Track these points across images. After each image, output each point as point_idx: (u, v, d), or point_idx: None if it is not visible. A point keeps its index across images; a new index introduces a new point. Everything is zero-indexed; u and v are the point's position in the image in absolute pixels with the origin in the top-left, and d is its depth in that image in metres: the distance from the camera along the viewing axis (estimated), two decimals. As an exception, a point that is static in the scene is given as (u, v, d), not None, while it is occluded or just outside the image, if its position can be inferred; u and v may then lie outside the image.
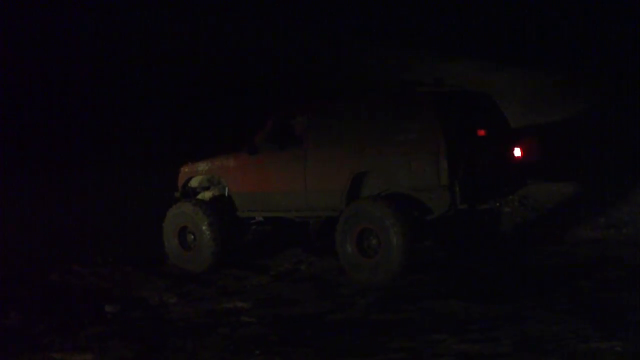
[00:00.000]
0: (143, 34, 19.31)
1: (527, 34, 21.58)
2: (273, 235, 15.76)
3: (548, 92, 21.25)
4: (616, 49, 20.19)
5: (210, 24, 20.60)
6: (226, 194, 14.59)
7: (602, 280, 11.38)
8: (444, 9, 22.04)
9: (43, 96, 17.67)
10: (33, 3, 17.46)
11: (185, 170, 14.98)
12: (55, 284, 12.96)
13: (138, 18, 19.27)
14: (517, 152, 13.21)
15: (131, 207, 16.35)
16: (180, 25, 20.13)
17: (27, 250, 13.99)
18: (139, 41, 19.25)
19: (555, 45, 21.29)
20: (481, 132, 12.56)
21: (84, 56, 18.57)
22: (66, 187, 16.46)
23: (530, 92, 21.43)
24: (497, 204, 14.09)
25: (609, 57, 20.32)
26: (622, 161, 17.27)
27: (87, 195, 16.52)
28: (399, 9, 22.08)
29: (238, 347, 9.21)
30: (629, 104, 18.82)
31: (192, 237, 14.26)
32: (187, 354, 9.12)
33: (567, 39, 21.12)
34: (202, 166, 14.70)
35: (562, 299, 10.37)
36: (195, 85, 20.25)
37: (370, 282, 12.10)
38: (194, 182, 15.09)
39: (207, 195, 15.00)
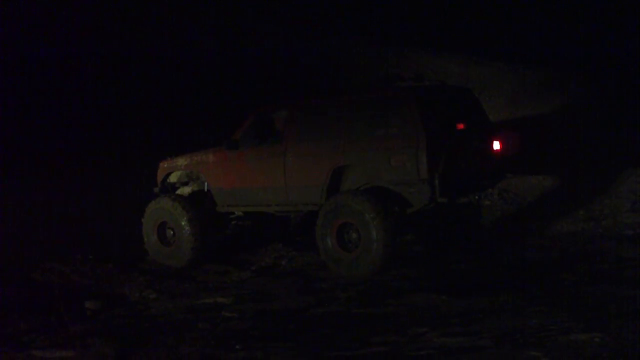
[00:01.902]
0: (137, 33, 19.32)
1: (511, 29, 21.68)
2: (253, 230, 15.73)
3: (531, 86, 21.33)
4: (599, 45, 20.31)
5: (196, 24, 20.64)
6: (205, 189, 14.55)
7: (582, 273, 11.44)
8: (427, 4, 22.12)
9: (20, 98, 17.63)
10: (33, 3, 17.46)
11: (164, 165, 14.92)
12: (36, 282, 12.91)
13: (133, 17, 19.27)
14: (496, 145, 13.23)
15: (111, 204, 16.30)
16: (170, 24, 20.15)
17: (8, 248, 13.91)
18: (130, 40, 19.26)
19: (538, 41, 21.40)
20: (460, 126, 12.58)
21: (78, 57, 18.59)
22: (46, 185, 16.39)
23: (513, 86, 21.52)
24: (477, 198, 14.13)
25: (591, 53, 20.43)
26: (602, 154, 17.35)
27: (67, 193, 16.45)
28: (382, 5, 22.15)
29: (219, 343, 9.20)
30: (610, 98, 18.92)
31: (172, 232, 14.23)
32: (167, 349, 9.08)
33: (550, 35, 21.23)
34: (181, 161, 14.65)
35: (543, 291, 10.44)
36: (179, 82, 20.24)
37: (351, 276, 12.12)
38: (173, 178, 15.03)
39: (186, 190, 14.96)
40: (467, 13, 22.60)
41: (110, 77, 19.52)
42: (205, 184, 14.53)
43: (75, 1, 19.81)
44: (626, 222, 14.71)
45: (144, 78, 19.92)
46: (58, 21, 18.76)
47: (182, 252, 14.02)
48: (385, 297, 10.81)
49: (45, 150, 17.28)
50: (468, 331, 8.71)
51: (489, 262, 12.78)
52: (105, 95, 19.16)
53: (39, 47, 18.22)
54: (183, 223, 13.94)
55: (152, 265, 14.19)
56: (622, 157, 16.88)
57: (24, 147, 16.90)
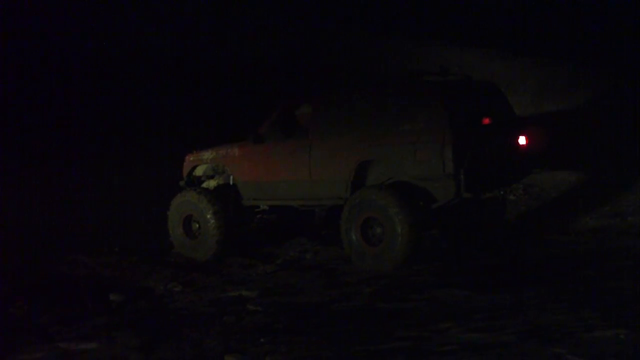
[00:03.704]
0: (140, 28, 19.35)
1: (537, 24, 21.57)
2: (278, 224, 15.77)
3: (557, 81, 21.22)
4: (625, 39, 20.16)
5: (213, 17, 20.63)
6: (231, 182, 14.60)
7: (606, 269, 11.37)
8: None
9: (46, 91, 17.70)
10: (33, 3, 17.53)
11: (190, 159, 14.99)
12: (62, 274, 13.00)
13: (141, 13, 19.30)
14: (522, 140, 13.20)
15: (137, 197, 16.37)
16: (182, 19, 20.18)
17: (35, 240, 14.02)
18: (141, 35, 19.29)
19: (565, 35, 21.27)
20: (486, 121, 12.55)
21: (83, 48, 18.65)
22: (73, 178, 16.49)
23: (539, 81, 21.41)
24: (502, 193, 14.08)
25: (618, 48, 20.29)
26: (627, 150, 17.25)
27: (94, 186, 16.54)
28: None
29: (243, 336, 9.23)
30: (637, 94, 18.78)
31: (197, 225, 14.28)
32: (192, 342, 9.14)
33: (576, 29, 21.10)
34: (207, 155, 14.71)
35: (567, 288, 10.37)
36: (200, 77, 20.26)
37: (375, 271, 12.12)
38: (198, 171, 15.11)
39: (211, 184, 15.02)
40: (492, 6, 22.50)
41: (131, 71, 19.56)
42: (231, 177, 14.57)
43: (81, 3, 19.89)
44: (651, 218, 14.65)
45: (169, 74, 19.97)
46: (61, 18, 18.84)
47: (207, 245, 14.08)
48: (409, 292, 10.79)
49: (72, 142, 17.37)
50: (492, 327, 8.69)
51: (513, 258, 12.74)
52: (134, 90, 19.21)
53: (42, 43, 18.30)
54: (208, 216, 13.98)
55: (177, 258, 14.27)
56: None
57: (49, 140, 16.99)
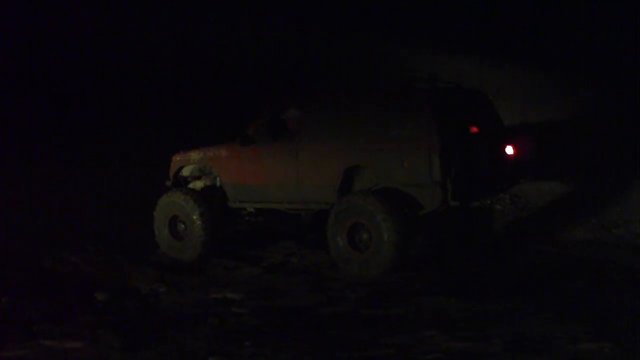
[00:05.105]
0: (139, 30, 19.34)
1: (527, 32, 21.61)
2: (265, 227, 15.74)
3: (545, 91, 21.26)
4: (615, 48, 20.21)
5: (207, 17, 20.62)
6: (218, 184, 14.58)
7: (592, 281, 11.41)
8: (443, 5, 22.06)
9: (35, 90, 17.67)
10: (33, 3, 17.51)
11: (177, 159, 14.94)
12: (47, 271, 12.93)
13: (135, 15, 19.28)
14: (510, 150, 13.22)
15: (123, 196, 16.33)
16: (176, 19, 20.17)
17: (20, 237, 13.96)
18: (136, 35, 19.28)
19: (554, 44, 21.31)
20: (474, 130, 12.58)
21: (82, 49, 18.65)
22: (60, 175, 16.43)
23: (528, 90, 21.45)
24: (489, 202, 14.11)
25: (608, 57, 20.33)
26: (615, 162, 17.30)
27: (81, 183, 16.49)
28: (398, 4, 22.08)
29: (228, 338, 9.21)
30: (626, 104, 18.84)
31: (183, 226, 14.24)
32: (176, 344, 9.10)
33: (566, 38, 21.15)
34: (194, 155, 14.67)
35: (553, 299, 10.41)
36: (189, 78, 20.24)
37: (361, 277, 12.11)
38: (185, 172, 15.05)
39: (198, 184, 14.98)
40: (482, 13, 22.53)
41: (117, 71, 19.54)
42: (218, 179, 14.55)
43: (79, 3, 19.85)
44: (638, 231, 14.67)
45: (158, 74, 19.93)
46: (61, 18, 18.82)
47: (193, 247, 14.04)
48: (395, 298, 10.80)
49: (59, 140, 17.32)
50: (477, 336, 8.70)
51: (499, 267, 12.76)
52: (121, 90, 19.18)
53: (41, 43, 18.27)
54: (195, 217, 13.95)
55: (163, 259, 14.21)
56: (637, 165, 16.82)
57: (36, 139, 16.94)
